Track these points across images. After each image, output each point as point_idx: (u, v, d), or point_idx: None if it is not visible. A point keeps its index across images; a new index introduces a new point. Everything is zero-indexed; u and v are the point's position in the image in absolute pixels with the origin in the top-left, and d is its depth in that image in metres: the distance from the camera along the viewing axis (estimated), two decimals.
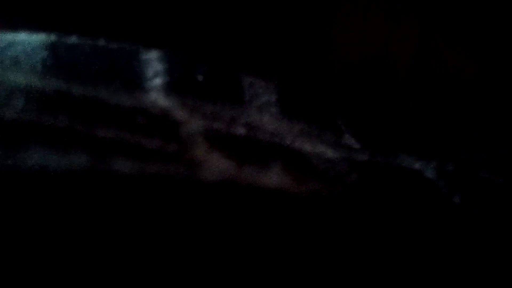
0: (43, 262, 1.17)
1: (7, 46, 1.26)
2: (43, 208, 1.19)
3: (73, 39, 1.28)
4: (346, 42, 1.55)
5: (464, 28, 1.54)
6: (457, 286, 1.26)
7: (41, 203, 1.19)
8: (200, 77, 1.30)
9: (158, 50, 1.30)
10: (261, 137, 1.29)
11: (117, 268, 1.19)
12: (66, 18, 1.36)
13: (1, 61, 1.25)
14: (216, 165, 1.24)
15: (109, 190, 1.21)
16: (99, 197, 1.21)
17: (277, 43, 1.50)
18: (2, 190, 1.17)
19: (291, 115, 1.33)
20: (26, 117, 1.21)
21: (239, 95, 1.32)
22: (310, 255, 1.26)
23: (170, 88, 1.28)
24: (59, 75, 1.25)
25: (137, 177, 1.22)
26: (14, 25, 1.27)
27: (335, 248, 1.27)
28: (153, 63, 1.29)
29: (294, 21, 1.52)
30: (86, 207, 1.20)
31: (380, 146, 1.36)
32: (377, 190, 1.32)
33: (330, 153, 1.32)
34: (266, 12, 1.50)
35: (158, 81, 1.28)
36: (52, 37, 1.27)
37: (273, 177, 1.27)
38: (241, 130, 1.28)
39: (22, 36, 1.27)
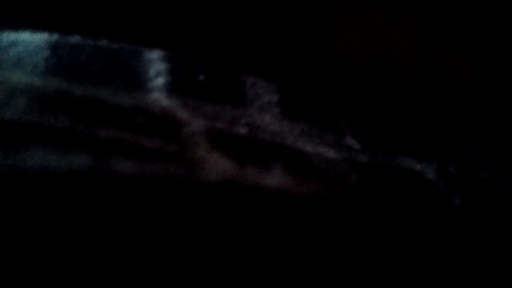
0: (43, 263, 1.17)
1: (9, 46, 1.26)
2: (43, 209, 1.19)
3: (75, 39, 1.28)
4: (346, 42, 1.55)
5: (464, 28, 1.55)
6: (457, 286, 1.27)
7: (42, 203, 1.19)
8: (201, 77, 1.30)
9: (159, 50, 1.30)
10: (262, 137, 1.29)
11: (118, 268, 1.19)
12: (68, 18, 1.36)
13: (3, 60, 1.25)
14: (217, 165, 1.24)
15: (109, 190, 1.21)
16: (100, 198, 1.21)
17: (277, 43, 1.51)
18: (2, 190, 1.17)
19: (292, 116, 1.33)
20: (27, 117, 1.21)
21: (240, 96, 1.32)
22: (311, 255, 1.26)
23: (171, 88, 1.28)
24: (61, 75, 1.25)
25: (138, 178, 1.22)
26: (16, 25, 1.27)
27: (335, 249, 1.27)
28: (155, 63, 1.29)
29: (294, 21, 1.53)
30: (87, 208, 1.20)
31: (381, 147, 1.37)
32: (377, 191, 1.32)
33: (331, 153, 1.32)
34: (266, 13, 1.50)
35: (159, 81, 1.28)
36: (54, 37, 1.27)
37: (274, 178, 1.27)
38: (242, 130, 1.29)
39: (24, 36, 1.27)
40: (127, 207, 1.21)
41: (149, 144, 1.24)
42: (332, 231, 1.27)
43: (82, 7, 1.41)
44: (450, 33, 1.55)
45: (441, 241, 1.29)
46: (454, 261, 1.28)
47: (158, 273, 1.19)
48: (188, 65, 1.30)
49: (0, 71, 1.24)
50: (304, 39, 1.53)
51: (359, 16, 1.55)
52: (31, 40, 1.26)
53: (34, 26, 1.27)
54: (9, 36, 1.26)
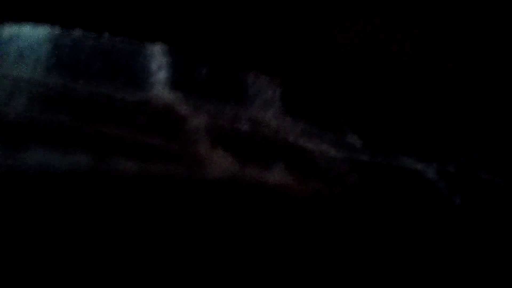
0: (45, 261, 1.16)
1: (11, 39, 1.25)
2: (47, 205, 1.19)
3: (77, 33, 1.27)
4: (346, 42, 1.55)
5: (464, 28, 1.54)
6: (457, 286, 1.26)
7: (43, 200, 1.19)
8: (203, 74, 1.30)
9: (162, 46, 1.29)
10: (264, 134, 1.29)
11: (122, 265, 1.18)
12: (70, 12, 1.35)
13: (5, 54, 1.24)
14: (219, 162, 1.24)
15: (112, 186, 1.20)
16: (103, 193, 1.20)
17: (277, 43, 1.50)
18: (4, 188, 1.17)
19: (294, 113, 1.33)
20: (29, 113, 1.21)
21: (242, 92, 1.31)
22: (312, 253, 1.25)
23: (173, 83, 1.28)
24: (63, 70, 1.25)
25: (140, 174, 1.21)
26: (18, 18, 1.26)
27: (336, 247, 1.27)
28: (157, 59, 1.28)
29: (294, 21, 1.52)
30: (90, 203, 1.20)
31: (381, 146, 1.36)
32: (378, 190, 1.31)
33: (332, 152, 1.31)
34: (266, 13, 1.50)
35: (162, 77, 1.27)
36: (56, 31, 1.26)
37: (276, 176, 1.26)
38: (244, 127, 1.28)
39: (26, 29, 1.26)
40: (128, 203, 1.20)
41: (151, 141, 1.23)
42: (332, 229, 1.27)
43: (85, 1, 1.40)
44: (450, 33, 1.55)
45: (441, 239, 1.29)
46: (455, 259, 1.28)
47: (162, 269, 1.19)
48: (191, 62, 1.30)
49: (1, 65, 1.23)
50: (304, 39, 1.52)
51: (359, 16, 1.55)
52: (33, 33, 1.25)
53: (36, 19, 1.26)
54: (11, 29, 1.25)
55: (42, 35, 1.25)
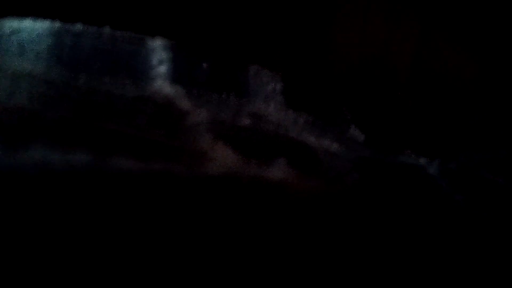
0: (45, 260, 1.16)
1: (12, 33, 1.25)
2: (48, 202, 1.18)
3: (78, 28, 1.27)
4: (346, 42, 1.55)
5: (464, 28, 1.55)
6: (457, 283, 1.26)
7: (47, 196, 1.18)
8: (204, 69, 1.29)
9: (163, 40, 1.29)
10: (266, 128, 1.29)
11: (123, 262, 1.18)
12: (71, 6, 1.35)
13: (6, 48, 1.24)
14: (220, 158, 1.24)
15: (114, 183, 1.20)
16: (105, 190, 1.20)
17: (278, 44, 1.50)
18: (5, 185, 1.16)
19: (295, 107, 1.33)
20: (30, 109, 1.20)
21: (243, 87, 1.31)
22: (314, 248, 1.25)
23: (175, 78, 1.27)
24: (63, 64, 1.25)
25: (141, 171, 1.21)
26: (19, 12, 1.26)
27: (338, 243, 1.26)
28: (158, 54, 1.28)
29: (294, 21, 1.52)
30: (91, 200, 1.19)
31: (383, 144, 1.36)
32: (380, 186, 1.31)
33: (334, 147, 1.31)
34: (266, 13, 1.50)
35: (163, 72, 1.27)
36: (57, 25, 1.26)
37: (277, 172, 1.26)
38: (245, 122, 1.28)
39: (27, 23, 1.26)
40: (130, 200, 1.20)
41: (153, 137, 1.23)
42: (334, 226, 1.27)
43: None
44: (450, 33, 1.55)
45: (442, 236, 1.29)
46: (455, 256, 1.27)
47: (164, 265, 1.18)
48: (192, 56, 1.30)
49: (2, 59, 1.23)
50: (305, 39, 1.52)
51: (359, 16, 1.55)
52: (34, 27, 1.25)
53: (37, 13, 1.26)
54: (12, 23, 1.25)
55: (43, 29, 1.25)
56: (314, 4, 1.53)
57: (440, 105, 1.51)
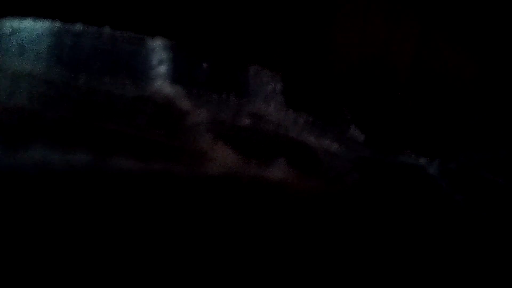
0: (45, 260, 1.16)
1: (12, 33, 1.25)
2: (48, 202, 1.18)
3: (78, 28, 1.27)
4: (346, 42, 1.55)
5: (464, 28, 1.55)
6: (457, 283, 1.26)
7: (47, 196, 1.18)
8: (204, 69, 1.29)
9: (163, 40, 1.29)
10: (266, 128, 1.29)
11: (123, 261, 1.18)
12: (71, 6, 1.35)
13: (6, 48, 1.24)
14: (220, 158, 1.24)
15: (114, 183, 1.20)
16: (105, 190, 1.20)
17: (278, 44, 1.50)
18: (6, 179, 1.16)
19: (295, 107, 1.33)
20: (30, 108, 1.20)
21: (243, 86, 1.31)
22: (314, 248, 1.25)
23: (175, 78, 1.27)
24: (63, 64, 1.25)
25: (141, 171, 1.21)
26: (18, 12, 1.26)
27: (338, 243, 1.26)
28: (158, 54, 1.28)
29: (294, 21, 1.52)
30: (91, 200, 1.19)
31: (383, 144, 1.36)
32: (380, 187, 1.31)
33: (334, 146, 1.31)
34: (266, 13, 1.50)
35: (163, 72, 1.27)
36: (57, 25, 1.26)
37: (278, 171, 1.26)
38: (246, 121, 1.28)
39: (27, 23, 1.25)
40: (130, 200, 1.20)
41: (153, 137, 1.23)
42: (334, 226, 1.27)
43: None
44: (450, 33, 1.55)
45: (442, 236, 1.29)
46: (455, 255, 1.27)
47: (164, 265, 1.18)
48: (192, 56, 1.30)
49: (2, 59, 1.23)
50: (305, 39, 1.52)
51: (359, 16, 1.55)
52: (34, 27, 1.25)
53: (37, 13, 1.26)
54: (12, 23, 1.25)
55: (43, 29, 1.25)
56: (314, 4, 1.53)
57: (440, 105, 1.51)
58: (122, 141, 1.22)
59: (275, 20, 1.50)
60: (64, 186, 1.19)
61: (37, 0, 1.30)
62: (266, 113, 1.29)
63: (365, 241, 1.28)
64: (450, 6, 1.55)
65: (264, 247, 1.23)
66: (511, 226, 1.30)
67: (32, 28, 1.24)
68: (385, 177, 1.34)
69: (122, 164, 1.20)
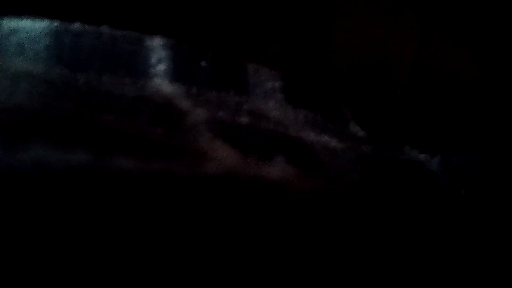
0: (45, 259, 1.16)
1: (11, 33, 1.25)
2: (47, 203, 1.18)
3: (76, 27, 1.27)
4: (346, 42, 1.55)
5: (464, 28, 1.55)
6: (457, 280, 1.26)
7: (45, 196, 1.19)
8: (203, 67, 1.30)
9: (162, 38, 1.29)
10: (265, 126, 1.29)
11: (122, 263, 1.18)
12: (69, 4, 1.35)
13: (5, 48, 1.24)
14: (220, 157, 1.24)
15: (113, 183, 1.20)
16: (104, 190, 1.20)
17: (277, 44, 1.50)
18: (6, 179, 1.17)
19: (295, 104, 1.33)
20: (29, 107, 1.20)
21: (243, 84, 1.31)
22: (313, 248, 1.25)
23: (174, 77, 1.27)
24: (62, 64, 1.25)
25: (140, 170, 1.21)
26: (17, 11, 1.26)
27: (338, 242, 1.26)
28: (157, 52, 1.28)
29: (294, 21, 1.52)
30: (90, 200, 1.19)
31: (384, 141, 1.36)
32: (381, 184, 1.31)
33: (335, 143, 1.31)
34: (266, 12, 1.50)
35: (162, 70, 1.27)
36: (55, 24, 1.26)
37: (278, 170, 1.26)
38: (245, 120, 1.28)
39: (25, 23, 1.26)
40: (130, 200, 1.20)
41: (152, 136, 1.23)
42: (334, 224, 1.27)
43: None
44: (450, 33, 1.55)
45: (443, 235, 1.29)
46: (456, 255, 1.28)
47: (163, 265, 1.18)
48: (191, 55, 1.30)
49: (2, 59, 1.23)
50: (304, 39, 1.52)
51: (359, 16, 1.55)
52: (32, 27, 1.25)
53: (35, 12, 1.26)
54: (12, 22, 1.25)
55: (42, 29, 1.25)
56: (314, 4, 1.53)
57: (440, 104, 1.51)
58: (122, 140, 1.22)
59: (274, 19, 1.50)
60: (64, 186, 1.19)
61: (35, 0, 1.31)
62: (266, 112, 1.29)
63: (366, 238, 1.28)
64: (450, 6, 1.55)
65: (264, 246, 1.23)
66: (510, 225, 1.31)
67: (31, 27, 1.24)
68: (386, 174, 1.34)
69: (122, 163, 1.20)
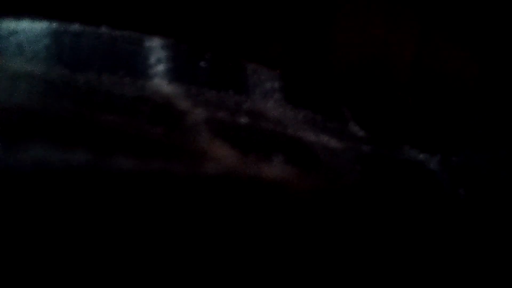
0: (44, 261, 1.16)
1: (11, 34, 1.25)
2: (46, 202, 1.18)
3: (75, 27, 1.27)
4: (346, 42, 1.55)
5: (464, 28, 1.55)
6: (457, 278, 1.26)
7: (44, 196, 1.19)
8: (203, 67, 1.30)
9: (161, 38, 1.29)
10: (264, 126, 1.29)
11: (121, 263, 1.18)
12: (68, 5, 1.35)
13: (5, 48, 1.24)
14: (219, 157, 1.24)
15: (113, 183, 1.20)
16: (104, 190, 1.20)
17: (277, 44, 1.50)
18: (6, 179, 1.17)
19: (294, 103, 1.33)
20: (29, 107, 1.21)
21: (242, 84, 1.32)
22: (313, 248, 1.25)
23: (173, 77, 1.28)
24: (62, 65, 1.25)
25: (140, 170, 1.21)
26: (16, 12, 1.26)
27: (338, 241, 1.26)
28: (156, 51, 1.28)
29: (294, 21, 1.52)
30: (89, 200, 1.19)
31: (384, 140, 1.36)
32: (381, 183, 1.31)
33: (334, 143, 1.31)
34: (266, 12, 1.50)
35: (161, 69, 1.27)
36: (54, 25, 1.26)
37: (277, 169, 1.26)
38: (245, 120, 1.28)
39: (25, 24, 1.26)
40: (129, 200, 1.20)
41: (151, 136, 1.23)
42: (334, 224, 1.27)
43: None
44: (450, 33, 1.55)
45: (443, 234, 1.29)
46: (457, 254, 1.27)
47: (162, 266, 1.18)
48: (190, 55, 1.30)
49: (1, 59, 1.23)
50: (304, 39, 1.53)
51: (359, 16, 1.55)
52: (32, 28, 1.25)
53: (34, 13, 1.26)
54: (11, 23, 1.26)
55: (41, 30, 1.25)
56: (314, 4, 1.53)
57: (440, 105, 1.51)
58: (122, 140, 1.22)
59: (274, 19, 1.50)
60: (64, 185, 1.19)
61: (34, 1, 1.31)
62: (265, 112, 1.29)
63: (366, 238, 1.28)
64: (450, 6, 1.55)
65: (264, 246, 1.23)
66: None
67: (30, 28, 1.24)
68: (386, 174, 1.34)
69: (122, 163, 1.20)
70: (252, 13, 1.48)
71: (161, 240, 1.20)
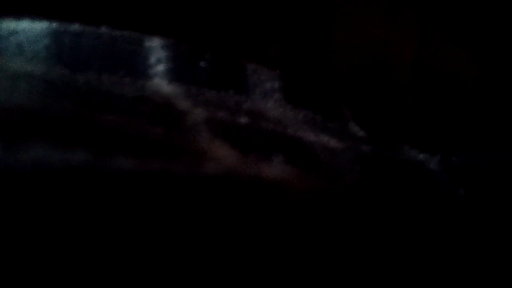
0: (44, 261, 1.16)
1: (11, 34, 1.25)
2: (46, 202, 1.18)
3: (75, 27, 1.27)
4: (346, 42, 1.55)
5: (464, 28, 1.55)
6: (457, 278, 1.26)
7: (44, 196, 1.19)
8: (203, 67, 1.30)
9: (161, 38, 1.29)
10: (264, 126, 1.28)
11: (121, 263, 1.18)
12: (68, 5, 1.35)
13: (5, 48, 1.24)
14: (220, 156, 1.24)
15: (113, 183, 1.20)
16: (103, 190, 1.20)
17: (277, 44, 1.50)
18: (6, 179, 1.17)
19: (294, 103, 1.33)
20: (29, 107, 1.21)
21: (242, 83, 1.31)
22: (313, 248, 1.25)
23: (173, 77, 1.28)
24: (61, 65, 1.25)
25: (140, 170, 1.21)
26: (16, 12, 1.26)
27: (338, 241, 1.26)
28: (156, 51, 1.28)
29: (294, 21, 1.52)
30: (89, 200, 1.19)
31: (384, 140, 1.36)
32: (381, 183, 1.31)
33: (334, 143, 1.31)
34: (266, 11, 1.50)
35: (161, 69, 1.27)
36: (54, 25, 1.26)
37: (277, 169, 1.26)
38: (245, 120, 1.28)
39: (25, 24, 1.26)
40: (128, 197, 1.20)
41: (151, 136, 1.23)
42: (334, 224, 1.27)
43: None
44: (450, 33, 1.55)
45: (443, 234, 1.29)
46: (457, 253, 1.27)
47: (162, 266, 1.18)
48: (190, 55, 1.30)
49: (1, 59, 1.23)
50: (304, 39, 1.52)
51: (359, 16, 1.55)
52: (32, 28, 1.25)
53: (34, 13, 1.26)
54: (11, 23, 1.26)
55: (41, 30, 1.25)
56: (314, 4, 1.53)
57: (440, 105, 1.51)
58: (122, 140, 1.22)
59: (274, 19, 1.50)
60: (64, 185, 1.19)
61: (34, 1, 1.31)
62: (265, 112, 1.29)
63: (366, 238, 1.28)
64: (450, 6, 1.55)
65: (264, 246, 1.23)
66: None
67: (30, 28, 1.24)
68: (386, 174, 1.34)
69: (122, 163, 1.20)
70: (252, 13, 1.48)
71: (161, 240, 1.20)
